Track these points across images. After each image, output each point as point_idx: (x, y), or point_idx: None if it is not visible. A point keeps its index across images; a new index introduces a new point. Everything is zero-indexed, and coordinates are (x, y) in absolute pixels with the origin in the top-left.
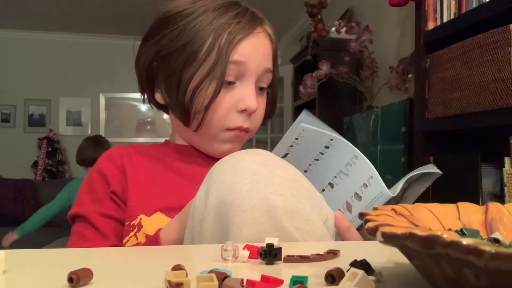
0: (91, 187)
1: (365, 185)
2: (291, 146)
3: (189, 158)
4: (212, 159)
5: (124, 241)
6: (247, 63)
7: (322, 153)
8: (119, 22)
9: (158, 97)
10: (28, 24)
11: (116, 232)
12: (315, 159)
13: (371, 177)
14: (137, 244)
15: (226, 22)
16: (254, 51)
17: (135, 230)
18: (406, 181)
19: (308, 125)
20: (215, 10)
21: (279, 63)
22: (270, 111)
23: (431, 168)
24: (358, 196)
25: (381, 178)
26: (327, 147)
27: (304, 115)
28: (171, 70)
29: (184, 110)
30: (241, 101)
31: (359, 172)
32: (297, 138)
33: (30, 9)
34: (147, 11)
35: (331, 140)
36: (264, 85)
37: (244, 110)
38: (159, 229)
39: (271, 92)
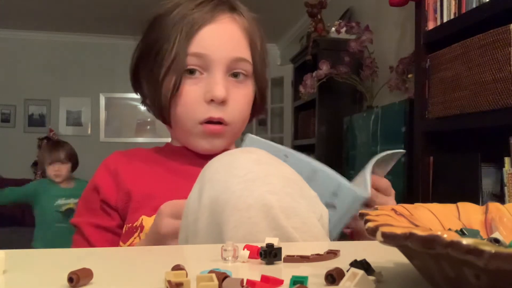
0: (86, 197)
1: (334, 194)
2: None
3: (186, 159)
4: (208, 158)
5: (128, 243)
6: (208, 54)
7: None
8: (119, 22)
9: (147, 100)
10: (28, 24)
11: (105, 242)
12: None
13: (339, 186)
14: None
15: (187, 12)
16: (216, 40)
17: (138, 231)
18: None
19: (254, 136)
20: (182, 4)
21: (278, 63)
22: (260, 104)
23: (393, 150)
24: (331, 206)
25: (349, 183)
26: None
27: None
28: (147, 70)
29: (155, 107)
30: (208, 91)
31: (322, 185)
32: None
33: (30, 9)
34: (147, 11)
35: (286, 156)
36: (240, 71)
37: (212, 100)
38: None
39: (255, 82)
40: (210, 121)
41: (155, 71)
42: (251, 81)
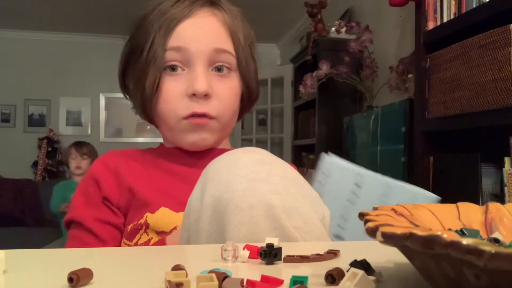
0: (86, 192)
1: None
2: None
3: (179, 160)
4: (201, 158)
5: (135, 240)
6: (188, 48)
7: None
8: (119, 22)
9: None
10: (27, 24)
11: (112, 237)
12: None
13: (415, 195)
14: (149, 240)
15: (165, 10)
16: (194, 33)
17: (144, 227)
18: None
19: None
20: (162, 3)
21: (278, 63)
22: (248, 99)
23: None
24: None
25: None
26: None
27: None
28: (132, 71)
29: (139, 106)
30: (189, 86)
31: (398, 197)
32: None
33: (30, 9)
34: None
35: (360, 176)
36: (222, 64)
37: (194, 95)
38: (166, 235)
39: (240, 75)
40: (194, 115)
41: (137, 71)
42: (236, 75)
